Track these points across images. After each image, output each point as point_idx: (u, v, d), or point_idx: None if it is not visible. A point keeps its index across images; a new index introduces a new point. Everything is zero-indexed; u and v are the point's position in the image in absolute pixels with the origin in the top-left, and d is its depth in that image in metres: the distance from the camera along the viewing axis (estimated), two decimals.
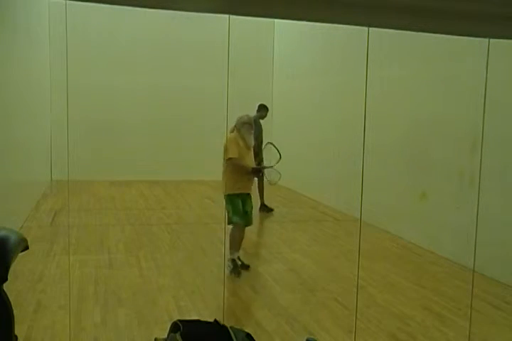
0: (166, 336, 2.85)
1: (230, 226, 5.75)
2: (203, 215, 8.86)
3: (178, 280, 5.51)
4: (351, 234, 7.51)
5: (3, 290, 2.28)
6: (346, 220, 8.63)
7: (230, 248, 5.73)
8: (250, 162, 5.88)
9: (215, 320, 2.91)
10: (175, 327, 2.82)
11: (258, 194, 8.87)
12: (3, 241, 2.27)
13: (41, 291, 5.04)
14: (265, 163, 6.98)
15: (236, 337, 2.70)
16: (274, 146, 6.44)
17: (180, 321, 2.84)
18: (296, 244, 7.22)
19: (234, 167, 5.67)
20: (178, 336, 2.66)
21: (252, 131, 5.83)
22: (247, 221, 5.87)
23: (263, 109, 9.17)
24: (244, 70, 11.56)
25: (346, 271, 5.96)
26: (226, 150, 5.66)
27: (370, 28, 2.90)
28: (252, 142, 5.85)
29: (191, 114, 12.43)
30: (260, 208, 8.98)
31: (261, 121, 9.02)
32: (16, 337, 2.38)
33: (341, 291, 5.28)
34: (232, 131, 5.79)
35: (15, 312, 2.34)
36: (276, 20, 11.79)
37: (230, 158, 5.63)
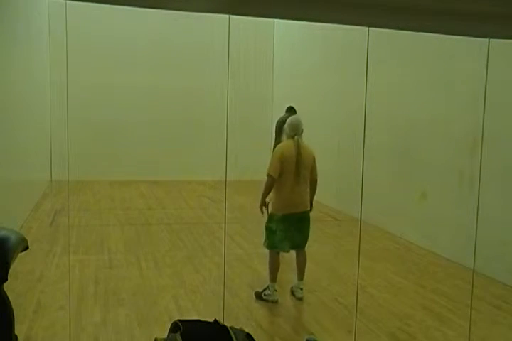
0: (166, 336, 2.86)
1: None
2: (203, 215, 8.86)
3: (178, 280, 5.51)
4: (351, 234, 7.50)
5: (3, 290, 2.29)
6: (346, 220, 8.62)
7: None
8: (297, 175, 4.94)
9: (215, 320, 2.91)
10: (175, 327, 2.82)
11: None
12: (3, 241, 2.28)
13: (41, 291, 5.04)
14: None
15: (236, 337, 2.70)
16: None
17: (180, 321, 2.84)
18: None
19: (277, 182, 4.95)
20: (178, 336, 2.67)
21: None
22: (286, 246, 5.04)
23: (292, 111, 9.12)
24: (245, 70, 11.55)
25: (346, 271, 5.96)
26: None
27: (370, 28, 2.91)
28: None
29: (191, 114, 12.43)
30: None
31: None
32: (16, 337, 2.39)
33: (341, 291, 5.28)
34: (290, 137, 5.04)
35: (15, 312, 2.34)
36: (276, 20, 11.79)
37: (269, 175, 4.95)
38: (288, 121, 5.16)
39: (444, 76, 6.77)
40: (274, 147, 8.69)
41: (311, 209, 5.23)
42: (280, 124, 8.87)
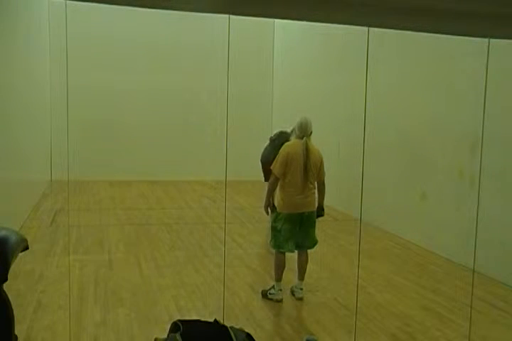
0: (166, 336, 2.85)
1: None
2: (203, 215, 8.86)
3: (178, 280, 5.51)
4: (351, 233, 7.50)
5: (3, 290, 2.28)
6: (346, 220, 8.62)
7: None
8: (302, 176, 4.91)
9: (215, 320, 2.91)
10: (175, 327, 2.82)
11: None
12: (3, 241, 2.27)
13: (41, 291, 5.04)
14: None
15: (236, 337, 2.70)
16: None
17: (180, 321, 2.84)
18: None
19: (283, 181, 4.96)
20: (178, 336, 2.66)
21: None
22: (291, 246, 5.03)
23: (282, 135, 8.92)
24: (245, 70, 11.56)
25: (346, 270, 5.96)
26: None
27: (370, 28, 2.91)
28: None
29: (191, 114, 12.43)
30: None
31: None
32: (16, 336, 2.38)
33: (341, 291, 5.28)
34: (298, 138, 5.03)
35: (15, 312, 2.34)
36: (276, 20, 11.80)
37: (271, 172, 4.99)
38: (298, 121, 5.13)
39: (444, 76, 6.77)
40: (266, 153, 8.43)
41: (322, 215, 5.20)
42: (274, 141, 8.63)
